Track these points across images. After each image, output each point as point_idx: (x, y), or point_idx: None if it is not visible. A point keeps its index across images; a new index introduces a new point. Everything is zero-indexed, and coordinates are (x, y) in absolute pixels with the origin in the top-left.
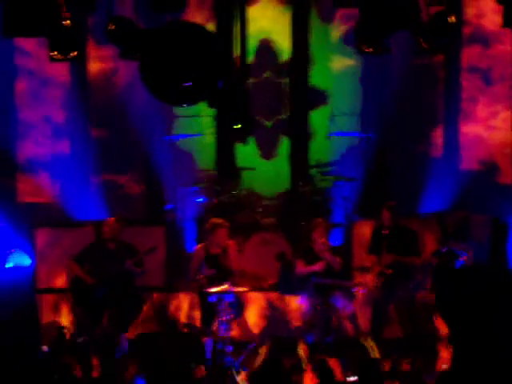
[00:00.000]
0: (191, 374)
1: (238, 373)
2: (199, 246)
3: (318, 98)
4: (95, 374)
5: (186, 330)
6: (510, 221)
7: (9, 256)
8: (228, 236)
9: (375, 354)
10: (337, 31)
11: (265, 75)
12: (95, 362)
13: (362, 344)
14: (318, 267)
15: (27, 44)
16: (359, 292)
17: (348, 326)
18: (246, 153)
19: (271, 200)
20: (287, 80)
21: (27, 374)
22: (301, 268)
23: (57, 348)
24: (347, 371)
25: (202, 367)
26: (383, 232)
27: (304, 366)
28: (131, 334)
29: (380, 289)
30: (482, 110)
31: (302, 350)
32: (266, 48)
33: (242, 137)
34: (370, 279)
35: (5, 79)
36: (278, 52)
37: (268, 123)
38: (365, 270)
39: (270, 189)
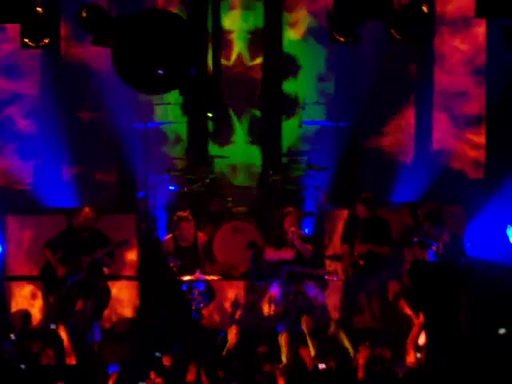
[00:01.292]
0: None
1: None
2: (168, 237)
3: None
4: (69, 361)
5: None
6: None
7: None
8: (193, 229)
9: (346, 343)
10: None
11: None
12: (69, 348)
13: (333, 333)
14: (287, 255)
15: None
16: (330, 280)
17: (319, 314)
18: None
19: (242, 188)
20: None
21: None
22: (270, 254)
23: (23, 336)
24: (318, 359)
25: (169, 356)
26: (356, 222)
27: (283, 355)
28: (104, 321)
29: (352, 278)
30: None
31: (282, 339)
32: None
33: (215, 129)
34: (341, 268)
35: None
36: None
37: (240, 112)
38: (336, 258)
39: (242, 177)
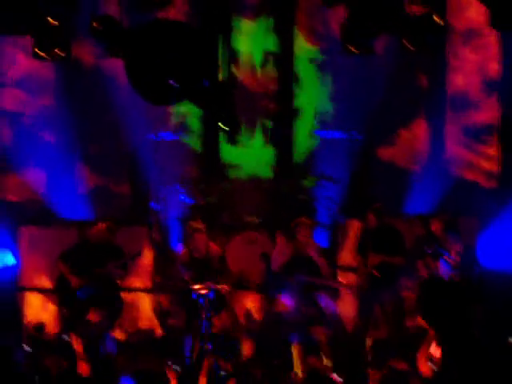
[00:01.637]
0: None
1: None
2: (182, 248)
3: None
4: (82, 372)
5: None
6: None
7: None
8: (207, 241)
9: (361, 354)
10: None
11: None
12: (82, 360)
13: (347, 344)
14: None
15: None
16: (344, 291)
17: (332, 324)
18: (231, 151)
19: (255, 199)
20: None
21: (7, 374)
22: (276, 264)
23: (38, 347)
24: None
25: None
26: (369, 233)
27: (296, 366)
28: (117, 333)
29: (366, 289)
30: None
31: (295, 351)
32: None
33: (229, 137)
34: (355, 279)
35: None
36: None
37: (253, 123)
38: (349, 269)
39: (255, 188)
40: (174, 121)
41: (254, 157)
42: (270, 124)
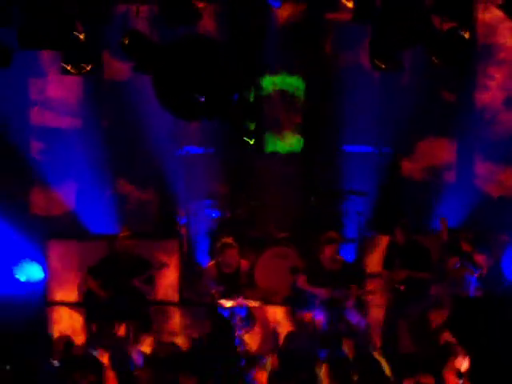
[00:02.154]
0: None
1: None
2: (211, 263)
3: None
4: None
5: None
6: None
7: (21, 269)
8: (238, 256)
9: (387, 370)
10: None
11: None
12: (110, 374)
13: (375, 360)
14: (321, 293)
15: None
16: (369, 299)
17: (361, 341)
18: (260, 166)
19: (284, 214)
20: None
21: None
22: (302, 284)
23: (67, 362)
24: None
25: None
26: (396, 248)
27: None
28: (145, 347)
29: (392, 303)
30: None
31: (322, 370)
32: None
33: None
34: (381, 293)
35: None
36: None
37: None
38: (374, 276)
39: (284, 203)
40: (202, 135)
41: (282, 171)
42: (297, 137)
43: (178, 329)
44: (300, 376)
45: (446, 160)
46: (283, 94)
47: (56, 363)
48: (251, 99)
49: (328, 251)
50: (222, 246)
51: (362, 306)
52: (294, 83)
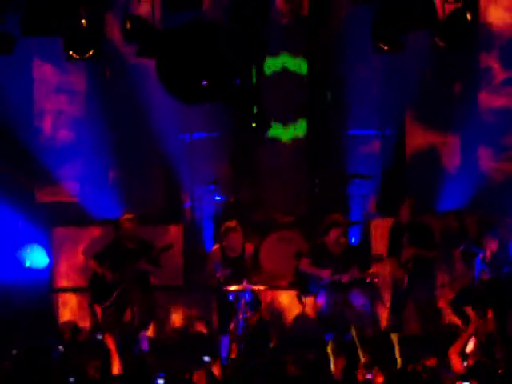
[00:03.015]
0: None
1: None
2: (215, 247)
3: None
4: (115, 371)
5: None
6: None
7: (27, 255)
8: (241, 239)
9: (396, 351)
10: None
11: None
12: (115, 359)
13: (381, 342)
14: (324, 274)
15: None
16: (373, 281)
17: (367, 323)
18: (264, 150)
19: (289, 198)
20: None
21: (42, 375)
22: (305, 267)
23: (72, 348)
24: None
25: (218, 364)
26: (402, 228)
27: (332, 365)
28: (150, 331)
29: (400, 285)
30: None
31: (330, 350)
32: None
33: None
34: (389, 275)
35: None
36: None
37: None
38: (379, 259)
39: (288, 187)
40: (206, 120)
41: (286, 154)
42: (302, 122)
43: (183, 313)
44: (307, 358)
45: (450, 141)
46: (286, 77)
47: (61, 349)
48: (253, 82)
49: (333, 234)
50: (225, 230)
51: (366, 289)
52: (296, 65)
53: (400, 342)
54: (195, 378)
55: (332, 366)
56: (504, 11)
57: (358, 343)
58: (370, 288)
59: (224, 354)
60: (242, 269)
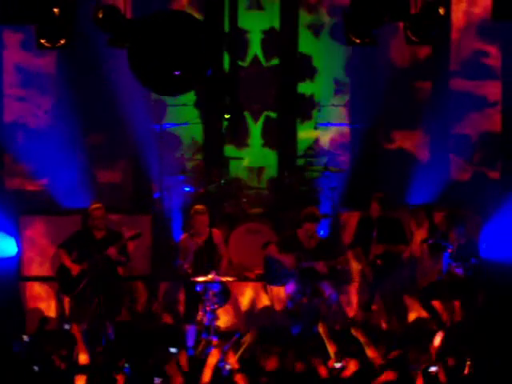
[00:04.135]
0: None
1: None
2: (184, 236)
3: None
4: (82, 360)
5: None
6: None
7: None
8: (207, 223)
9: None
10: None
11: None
12: (82, 349)
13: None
14: (288, 260)
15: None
16: (342, 268)
17: (336, 314)
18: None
19: (258, 190)
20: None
21: (8, 364)
22: (272, 252)
23: (38, 337)
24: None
25: (184, 354)
26: (371, 223)
27: (329, 347)
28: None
29: (368, 280)
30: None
31: (321, 329)
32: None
33: (231, 127)
34: (358, 270)
35: None
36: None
37: (256, 114)
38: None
39: (257, 179)
40: (176, 111)
41: (256, 148)
42: (273, 114)
43: (150, 303)
44: (275, 351)
45: (422, 134)
46: (259, 68)
47: (26, 338)
48: (226, 73)
49: (308, 227)
50: (192, 213)
51: (334, 280)
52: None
53: (367, 337)
54: (168, 368)
55: (330, 350)
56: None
57: (324, 336)
58: (338, 279)
59: (190, 343)
60: (210, 258)
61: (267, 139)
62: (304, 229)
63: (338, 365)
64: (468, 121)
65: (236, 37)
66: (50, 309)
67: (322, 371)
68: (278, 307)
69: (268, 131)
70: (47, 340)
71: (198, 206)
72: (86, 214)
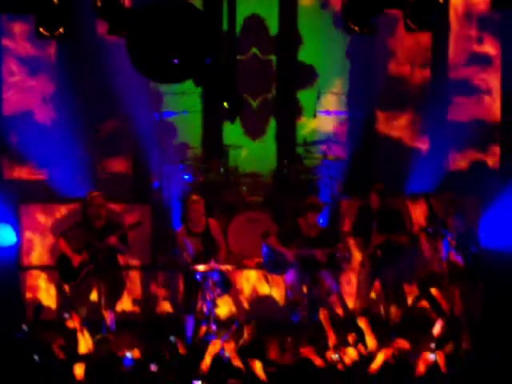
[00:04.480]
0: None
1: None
2: (183, 226)
3: (306, 76)
4: (82, 350)
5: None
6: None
7: None
8: (203, 212)
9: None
10: (326, 10)
11: (252, 52)
12: (82, 338)
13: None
14: (289, 254)
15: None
16: (341, 256)
17: (336, 304)
18: (233, 131)
19: (257, 179)
20: (274, 58)
21: (8, 354)
22: (272, 243)
23: (37, 326)
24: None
25: (183, 343)
26: (371, 213)
27: (329, 333)
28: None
29: (368, 269)
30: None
31: (322, 315)
32: (254, 25)
33: (230, 116)
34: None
35: None
36: (266, 29)
37: (255, 102)
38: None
39: (257, 167)
40: (176, 100)
41: (256, 136)
42: (272, 103)
43: (149, 293)
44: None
45: (421, 123)
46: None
47: (25, 328)
48: (225, 62)
49: (310, 217)
50: (187, 203)
51: (334, 269)
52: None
53: (368, 326)
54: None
55: (330, 336)
56: None
57: (325, 322)
58: (337, 269)
59: (189, 333)
60: (208, 248)
61: (267, 127)
62: (307, 218)
63: (335, 356)
64: (467, 109)
65: (235, 23)
66: (50, 298)
67: (319, 362)
68: (278, 296)
69: (268, 120)
70: (47, 329)
71: (194, 196)
72: (85, 203)
